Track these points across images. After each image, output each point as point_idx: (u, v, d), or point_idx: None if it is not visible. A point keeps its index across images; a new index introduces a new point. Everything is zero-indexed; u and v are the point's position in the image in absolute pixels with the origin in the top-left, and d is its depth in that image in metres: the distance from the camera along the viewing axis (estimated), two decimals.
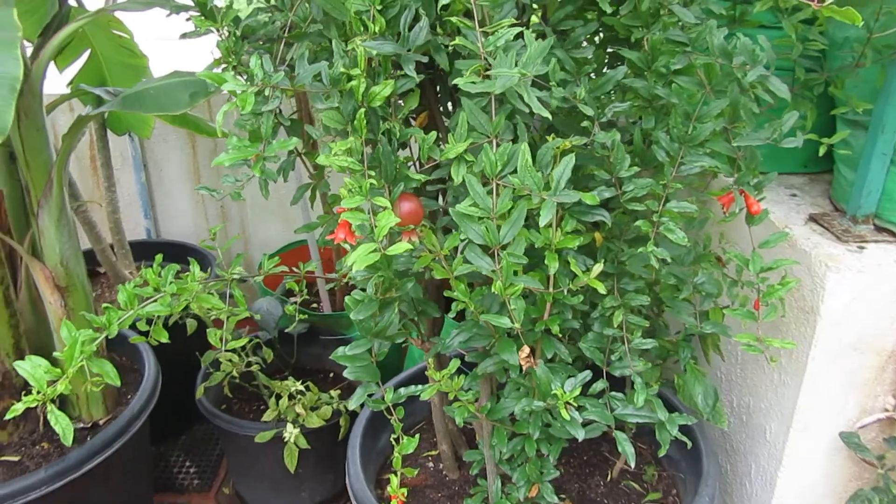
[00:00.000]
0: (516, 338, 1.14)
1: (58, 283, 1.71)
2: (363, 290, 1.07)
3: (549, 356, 1.21)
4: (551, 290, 1.12)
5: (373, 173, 0.95)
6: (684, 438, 1.29)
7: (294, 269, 1.67)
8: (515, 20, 0.93)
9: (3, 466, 1.68)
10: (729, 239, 1.62)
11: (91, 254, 2.53)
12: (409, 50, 0.93)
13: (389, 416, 1.25)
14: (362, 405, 1.26)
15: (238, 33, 1.23)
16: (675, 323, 1.43)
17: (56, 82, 2.31)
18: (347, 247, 1.05)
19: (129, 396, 1.87)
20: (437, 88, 1.26)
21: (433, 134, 0.98)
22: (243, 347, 2.09)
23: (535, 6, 1.16)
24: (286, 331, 2.19)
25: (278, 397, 2.03)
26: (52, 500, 1.60)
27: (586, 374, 1.18)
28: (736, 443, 1.73)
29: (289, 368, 2.33)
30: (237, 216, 2.98)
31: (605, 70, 1.29)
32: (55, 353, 1.23)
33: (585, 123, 1.07)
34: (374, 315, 1.08)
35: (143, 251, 2.80)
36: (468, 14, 0.96)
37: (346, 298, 1.09)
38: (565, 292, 1.12)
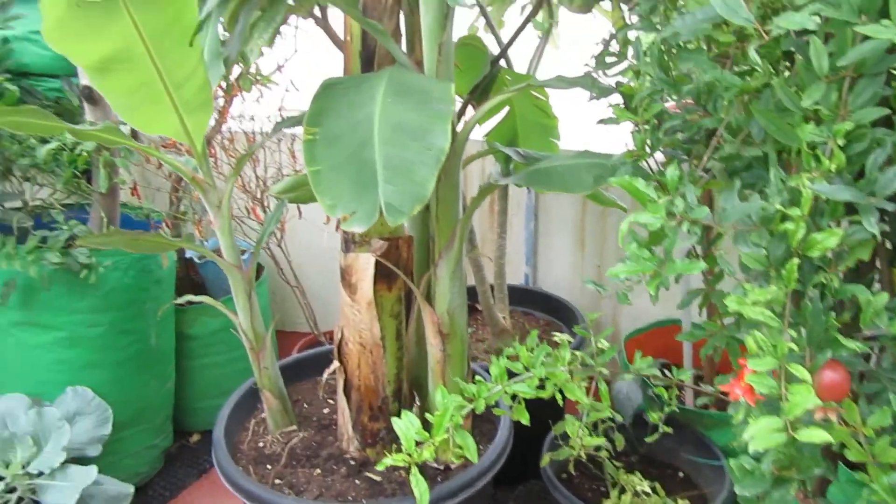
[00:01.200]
0: None
1: (441, 329, 1.83)
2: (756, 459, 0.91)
3: None
4: None
5: (793, 332, 0.79)
6: None
7: (666, 370, 1.55)
8: None
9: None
10: None
11: (472, 291, 2.71)
12: (872, 195, 0.75)
13: None
14: None
15: (659, 132, 1.16)
16: None
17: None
18: (742, 400, 0.91)
19: (481, 447, 1.92)
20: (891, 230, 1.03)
21: (883, 296, 0.78)
22: (594, 425, 2.02)
23: None
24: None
25: (622, 490, 1.92)
26: None
27: None
28: None
29: (636, 455, 2.20)
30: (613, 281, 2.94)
31: None
32: (427, 415, 1.30)
33: None
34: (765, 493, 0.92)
35: (519, 296, 2.92)
36: None
37: (732, 462, 0.94)
38: None
